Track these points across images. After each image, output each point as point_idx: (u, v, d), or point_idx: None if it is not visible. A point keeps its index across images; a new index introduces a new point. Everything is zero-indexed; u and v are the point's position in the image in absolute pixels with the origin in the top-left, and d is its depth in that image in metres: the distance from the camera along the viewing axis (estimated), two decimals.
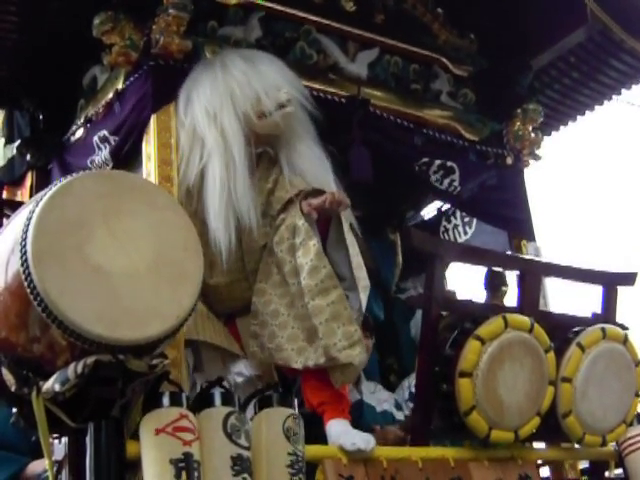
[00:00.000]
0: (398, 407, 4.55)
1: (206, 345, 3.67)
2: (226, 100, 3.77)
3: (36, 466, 3.54)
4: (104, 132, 4.08)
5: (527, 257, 4.58)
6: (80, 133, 4.38)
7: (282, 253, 3.65)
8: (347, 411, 3.73)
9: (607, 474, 4.13)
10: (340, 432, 3.50)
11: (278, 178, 3.90)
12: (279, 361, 3.65)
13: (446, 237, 5.52)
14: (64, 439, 2.91)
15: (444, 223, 5.62)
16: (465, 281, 5.92)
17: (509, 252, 4.79)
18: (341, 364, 3.52)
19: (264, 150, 3.94)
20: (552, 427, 3.85)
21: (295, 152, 3.94)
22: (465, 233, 5.49)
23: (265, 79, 3.84)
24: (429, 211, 5.88)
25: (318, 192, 3.74)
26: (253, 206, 3.70)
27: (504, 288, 4.97)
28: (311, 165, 3.92)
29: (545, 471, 4.20)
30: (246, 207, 3.68)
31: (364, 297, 3.71)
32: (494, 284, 4.94)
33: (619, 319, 4.18)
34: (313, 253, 3.58)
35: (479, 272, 5.03)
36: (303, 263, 3.57)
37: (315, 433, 3.44)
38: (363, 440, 3.44)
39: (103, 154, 4.06)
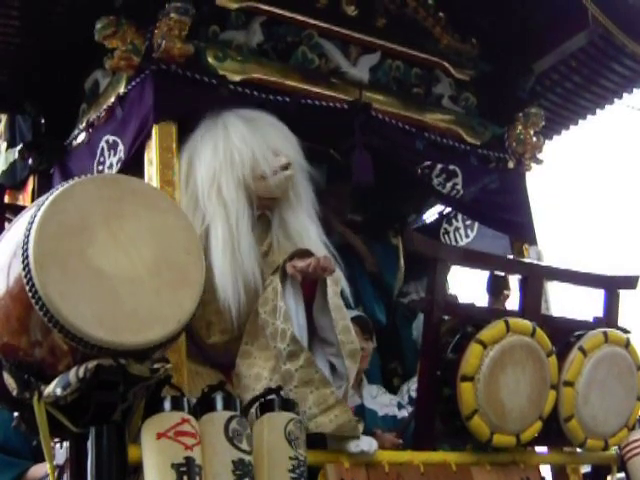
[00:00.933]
0: (400, 406, 4.55)
1: None
2: (225, 166, 3.78)
3: (37, 470, 3.54)
4: (106, 136, 4.09)
5: (529, 261, 4.57)
6: (82, 137, 4.38)
7: (265, 315, 3.57)
8: None
9: (609, 478, 4.12)
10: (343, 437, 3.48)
11: (272, 242, 3.90)
12: None
13: (447, 240, 5.53)
14: (65, 443, 2.91)
15: (445, 225, 5.63)
16: (467, 285, 5.93)
17: (511, 256, 4.78)
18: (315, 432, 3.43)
19: (262, 213, 3.92)
20: (554, 431, 3.85)
21: (288, 216, 3.93)
22: (467, 236, 5.50)
23: (265, 143, 3.85)
24: (431, 214, 5.89)
25: (305, 253, 3.68)
26: (257, 267, 3.70)
27: (506, 292, 4.97)
28: (302, 230, 3.90)
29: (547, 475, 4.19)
30: (251, 268, 3.66)
31: (351, 363, 3.59)
32: (497, 288, 4.94)
33: (621, 323, 4.18)
34: (282, 315, 3.50)
35: (481, 276, 5.03)
36: (277, 325, 3.51)
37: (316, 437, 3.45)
38: (366, 443, 3.42)
39: (105, 159, 4.06)
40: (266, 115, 3.98)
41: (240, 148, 3.81)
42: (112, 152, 4.03)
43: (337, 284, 3.74)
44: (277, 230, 3.92)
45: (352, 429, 3.42)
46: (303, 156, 3.99)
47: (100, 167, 4.10)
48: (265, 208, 3.92)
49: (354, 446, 3.39)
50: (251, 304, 3.66)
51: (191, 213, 3.70)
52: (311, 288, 3.67)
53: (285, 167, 3.83)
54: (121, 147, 4.00)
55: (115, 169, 3.99)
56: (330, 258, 3.68)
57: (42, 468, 3.52)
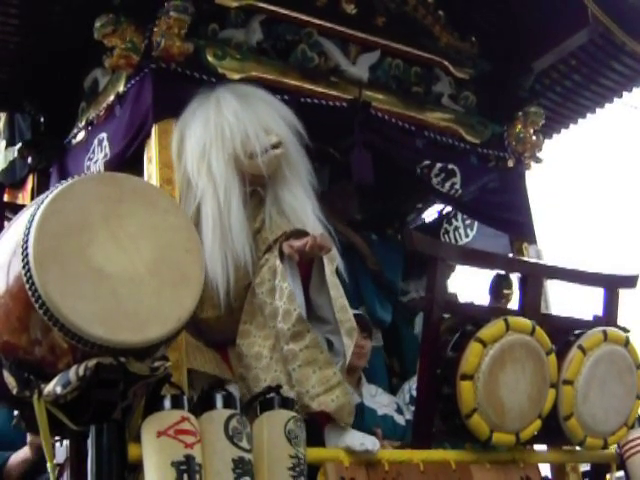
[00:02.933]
0: (399, 411, 4.54)
1: (197, 373, 3.63)
2: (216, 141, 3.75)
3: (18, 454, 3.58)
4: (102, 134, 4.09)
5: (528, 260, 4.57)
6: (81, 136, 4.38)
7: (263, 295, 3.60)
8: None
9: (608, 477, 4.12)
10: (345, 435, 3.49)
11: (265, 219, 3.86)
12: None
13: (447, 239, 5.53)
14: (65, 442, 2.91)
15: (445, 225, 5.62)
16: (466, 284, 5.93)
17: (510, 255, 4.78)
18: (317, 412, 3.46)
19: (255, 189, 3.90)
20: (553, 430, 3.85)
21: (283, 192, 3.90)
22: (466, 236, 5.50)
23: (257, 120, 3.81)
24: (430, 213, 5.89)
25: (301, 233, 3.68)
26: (248, 244, 3.68)
27: (508, 292, 4.97)
28: (297, 206, 3.87)
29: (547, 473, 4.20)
30: (241, 245, 3.65)
31: (348, 341, 3.61)
32: (499, 289, 4.94)
33: (620, 322, 4.18)
34: (285, 296, 3.53)
35: (480, 274, 5.03)
36: (278, 306, 3.53)
37: (316, 436, 3.45)
38: (370, 441, 3.44)
39: (98, 155, 4.06)
40: (259, 91, 3.96)
41: (231, 123, 3.77)
42: (110, 150, 4.03)
43: (333, 262, 3.75)
44: (271, 207, 3.88)
45: (349, 413, 3.49)
46: (297, 132, 3.95)
47: (88, 163, 4.11)
48: (257, 184, 3.89)
49: (359, 445, 3.40)
50: (241, 281, 3.67)
51: (184, 191, 3.71)
52: (307, 267, 3.69)
53: (275, 146, 3.79)
54: (106, 143, 4.01)
55: (100, 165, 3.99)
56: (327, 236, 3.68)
57: (21, 452, 3.56)
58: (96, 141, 4.12)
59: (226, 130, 3.76)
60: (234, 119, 3.78)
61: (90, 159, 4.13)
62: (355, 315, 4.41)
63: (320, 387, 3.44)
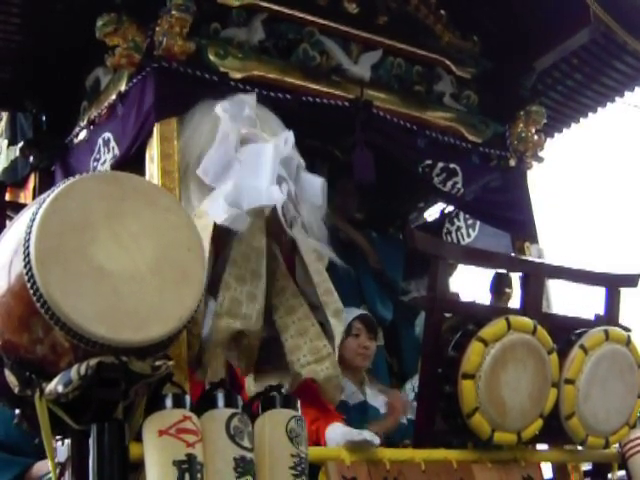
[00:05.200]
0: None
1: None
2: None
3: (41, 467, 3.54)
4: (107, 134, 4.09)
5: (530, 259, 4.57)
6: (83, 135, 4.39)
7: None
8: (340, 417, 3.80)
9: (610, 476, 4.12)
10: (344, 431, 3.52)
11: None
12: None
13: (449, 239, 5.53)
14: (67, 441, 2.91)
15: (447, 225, 5.62)
16: (468, 283, 5.93)
17: (512, 254, 4.78)
18: (312, 380, 3.54)
19: None
20: (555, 429, 3.85)
21: None
22: (468, 235, 5.50)
23: None
24: (432, 212, 5.89)
25: None
26: None
27: (508, 291, 4.97)
28: None
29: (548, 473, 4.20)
30: None
31: (335, 321, 3.68)
32: (500, 287, 4.94)
33: (622, 321, 4.18)
34: (279, 274, 3.66)
35: (481, 274, 5.03)
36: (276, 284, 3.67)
37: None
38: (369, 434, 3.48)
39: (101, 155, 4.06)
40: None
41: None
42: (112, 150, 4.03)
43: (314, 251, 3.80)
44: None
45: (336, 387, 3.59)
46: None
47: (95, 164, 4.11)
48: None
49: (357, 434, 3.45)
50: None
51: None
52: (291, 258, 3.74)
53: None
54: (113, 144, 4.01)
55: (108, 165, 3.99)
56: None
57: (46, 465, 3.52)
58: (101, 141, 4.12)
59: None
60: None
61: (97, 160, 4.12)
62: (361, 315, 4.44)
63: (311, 356, 3.54)
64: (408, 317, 5.24)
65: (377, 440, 3.48)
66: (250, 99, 3.83)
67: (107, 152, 4.06)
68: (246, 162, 3.56)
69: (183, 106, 3.89)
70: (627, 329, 4.10)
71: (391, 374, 5.10)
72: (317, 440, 3.60)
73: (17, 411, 2.95)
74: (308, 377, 3.52)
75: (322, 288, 3.71)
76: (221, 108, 3.65)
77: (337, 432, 3.56)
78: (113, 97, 4.15)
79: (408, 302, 5.17)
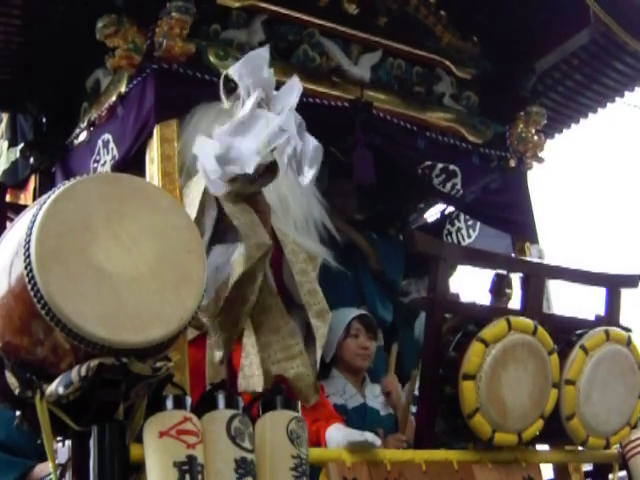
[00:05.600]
0: None
1: None
2: None
3: (42, 468, 3.54)
4: (107, 136, 4.09)
5: (530, 260, 4.57)
6: (83, 136, 4.39)
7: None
8: (339, 418, 3.82)
9: (611, 477, 4.12)
10: (345, 432, 3.53)
11: None
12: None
13: (450, 240, 5.53)
14: (68, 442, 2.90)
15: (448, 226, 5.62)
16: (468, 284, 5.93)
17: (512, 255, 4.78)
18: (285, 379, 3.58)
19: None
20: (556, 429, 3.85)
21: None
22: (469, 236, 5.50)
23: None
24: (432, 214, 5.89)
25: None
26: None
27: (509, 291, 4.96)
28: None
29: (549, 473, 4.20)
30: None
31: (317, 322, 3.74)
32: (500, 288, 4.94)
33: (622, 321, 4.18)
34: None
35: (482, 275, 5.03)
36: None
37: None
38: (370, 435, 3.49)
39: (101, 157, 4.07)
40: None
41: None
42: (112, 151, 4.04)
43: (314, 259, 3.87)
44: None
45: (308, 386, 3.63)
46: None
47: (95, 165, 4.11)
48: None
49: (359, 435, 3.45)
50: None
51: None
52: (277, 257, 3.78)
53: None
54: (113, 145, 4.01)
55: (108, 167, 4.00)
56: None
57: (47, 466, 3.52)
58: (100, 142, 4.12)
59: None
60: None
61: (97, 161, 4.13)
62: (361, 315, 4.44)
63: (281, 354, 3.61)
64: (407, 318, 5.24)
65: (378, 441, 3.49)
66: (265, 53, 3.69)
67: (107, 153, 4.07)
68: (247, 125, 3.52)
69: (183, 107, 3.90)
70: (628, 329, 4.09)
71: None
72: (317, 441, 3.60)
73: (18, 412, 2.94)
74: (277, 374, 3.57)
75: (305, 288, 3.77)
76: (237, 74, 3.52)
77: (338, 433, 3.56)
78: (113, 98, 4.15)
79: (408, 303, 5.18)
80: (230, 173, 3.37)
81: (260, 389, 3.54)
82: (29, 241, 2.69)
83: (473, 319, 3.74)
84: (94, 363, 2.68)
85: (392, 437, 4.14)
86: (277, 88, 4.12)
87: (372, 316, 4.60)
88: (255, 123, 3.40)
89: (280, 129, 3.40)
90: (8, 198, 4.87)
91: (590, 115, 5.69)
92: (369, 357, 4.44)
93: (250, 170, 3.33)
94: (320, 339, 3.73)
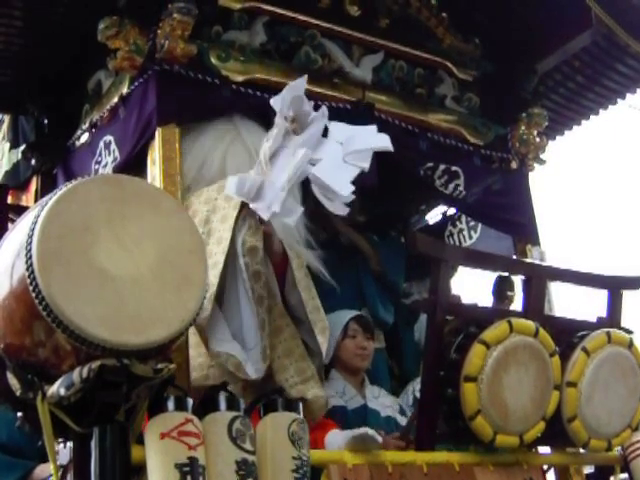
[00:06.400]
0: (402, 413, 4.54)
1: None
2: None
3: (43, 470, 3.54)
4: (109, 137, 4.09)
5: (532, 261, 4.57)
6: (85, 138, 4.39)
7: None
8: (334, 424, 3.90)
9: (612, 479, 4.11)
10: (344, 433, 3.57)
11: None
12: None
13: (451, 241, 5.53)
14: (69, 443, 2.90)
15: (449, 227, 5.62)
16: (469, 285, 5.93)
17: (514, 256, 4.78)
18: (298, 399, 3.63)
19: None
20: (557, 431, 3.84)
21: None
22: (470, 238, 5.50)
23: None
24: (434, 215, 5.88)
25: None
26: None
27: (511, 293, 4.96)
28: None
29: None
30: None
31: (322, 338, 3.84)
32: (502, 290, 4.93)
33: (624, 323, 4.17)
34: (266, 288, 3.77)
35: (483, 276, 5.03)
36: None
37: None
38: (369, 430, 3.52)
39: (102, 158, 4.07)
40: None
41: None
42: (114, 152, 4.04)
43: (303, 266, 3.93)
44: None
45: (322, 406, 3.79)
46: None
47: (97, 166, 4.11)
48: None
49: (358, 429, 3.50)
50: None
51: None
52: (282, 266, 3.85)
53: None
54: (114, 147, 4.01)
55: (109, 168, 4.00)
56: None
57: (48, 468, 3.52)
58: (102, 144, 4.13)
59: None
60: None
61: (98, 162, 4.13)
62: (357, 316, 4.44)
63: (298, 377, 3.72)
64: (409, 320, 5.24)
65: (379, 437, 3.50)
66: (303, 83, 3.84)
67: (108, 155, 4.07)
68: (275, 156, 3.65)
69: (185, 109, 3.90)
70: (629, 332, 4.09)
71: (391, 377, 5.10)
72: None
73: (19, 414, 2.95)
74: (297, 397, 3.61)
75: (310, 305, 3.86)
76: (279, 105, 3.71)
77: (337, 437, 3.60)
78: (115, 100, 4.15)
79: (410, 305, 5.17)
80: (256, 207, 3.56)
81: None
82: (31, 242, 2.69)
83: (474, 321, 3.73)
84: (95, 364, 2.68)
85: (392, 437, 4.14)
86: (279, 89, 4.16)
87: (370, 317, 4.60)
88: (281, 154, 3.55)
89: (305, 163, 3.58)
90: (10, 199, 4.87)
91: (591, 117, 5.69)
92: (367, 357, 4.44)
93: (278, 209, 3.53)
94: (324, 353, 3.86)
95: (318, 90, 4.32)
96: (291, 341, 3.78)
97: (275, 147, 3.62)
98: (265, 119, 3.94)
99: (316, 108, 4.22)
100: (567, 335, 3.94)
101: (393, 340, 5.12)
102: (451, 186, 4.62)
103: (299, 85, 3.75)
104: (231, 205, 3.70)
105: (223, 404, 2.95)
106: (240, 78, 4.10)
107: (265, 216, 3.55)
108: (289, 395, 3.61)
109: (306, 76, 3.84)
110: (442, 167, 4.58)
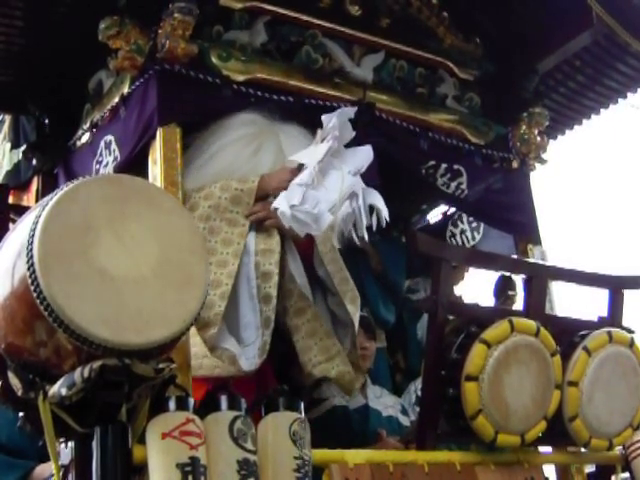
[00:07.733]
0: (404, 412, 4.54)
1: None
2: None
3: (44, 470, 3.53)
4: (109, 137, 4.09)
5: (533, 261, 4.57)
6: (86, 138, 4.39)
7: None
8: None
9: (613, 478, 4.11)
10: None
11: None
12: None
13: (454, 242, 5.53)
14: (70, 443, 2.90)
15: (450, 228, 5.62)
16: (471, 285, 5.93)
17: (515, 256, 4.78)
18: (320, 379, 3.76)
19: None
20: (558, 431, 3.84)
21: None
22: (473, 239, 5.50)
23: None
24: (434, 215, 5.89)
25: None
26: None
27: (512, 293, 4.96)
28: None
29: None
30: None
31: (352, 308, 3.89)
32: (504, 290, 4.93)
33: (625, 323, 4.17)
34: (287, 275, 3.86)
35: (484, 276, 5.03)
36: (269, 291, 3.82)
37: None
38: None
39: (103, 158, 4.07)
40: None
41: None
42: (114, 152, 4.04)
43: (329, 239, 3.98)
44: None
45: (350, 381, 3.85)
46: None
47: (97, 166, 4.11)
48: None
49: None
50: None
51: None
52: (309, 243, 3.91)
53: None
54: (115, 147, 4.01)
55: (110, 168, 4.00)
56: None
57: (48, 467, 3.52)
58: (103, 143, 4.13)
59: None
60: None
61: (99, 162, 4.13)
62: (359, 316, 4.43)
63: (321, 356, 3.76)
64: (415, 315, 5.23)
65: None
66: (351, 112, 3.95)
67: (109, 155, 4.07)
68: (322, 173, 3.75)
69: (186, 109, 3.90)
70: (631, 331, 4.09)
71: (396, 371, 5.10)
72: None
73: (20, 414, 2.95)
74: (320, 376, 3.74)
75: (338, 277, 3.92)
76: (330, 122, 3.80)
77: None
78: (116, 100, 4.15)
79: (413, 303, 5.17)
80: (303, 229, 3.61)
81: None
82: (32, 242, 2.69)
83: (475, 320, 3.73)
84: (97, 364, 2.68)
85: (393, 442, 4.14)
86: (280, 89, 4.16)
87: (370, 317, 4.61)
88: (329, 175, 3.58)
89: (353, 192, 3.73)
90: (11, 199, 4.86)
91: (592, 116, 5.69)
92: (369, 357, 4.44)
93: (321, 231, 3.64)
94: (356, 322, 3.91)
95: (319, 90, 4.33)
96: (314, 322, 3.81)
97: (323, 166, 3.75)
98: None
99: (318, 108, 4.24)
100: (568, 334, 3.94)
101: (400, 335, 5.12)
102: (453, 185, 4.62)
103: (349, 112, 3.89)
104: (240, 210, 3.80)
105: (224, 404, 2.95)
106: (241, 78, 4.10)
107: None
108: (312, 376, 3.72)
109: (356, 108, 4.03)
110: (444, 166, 4.58)
